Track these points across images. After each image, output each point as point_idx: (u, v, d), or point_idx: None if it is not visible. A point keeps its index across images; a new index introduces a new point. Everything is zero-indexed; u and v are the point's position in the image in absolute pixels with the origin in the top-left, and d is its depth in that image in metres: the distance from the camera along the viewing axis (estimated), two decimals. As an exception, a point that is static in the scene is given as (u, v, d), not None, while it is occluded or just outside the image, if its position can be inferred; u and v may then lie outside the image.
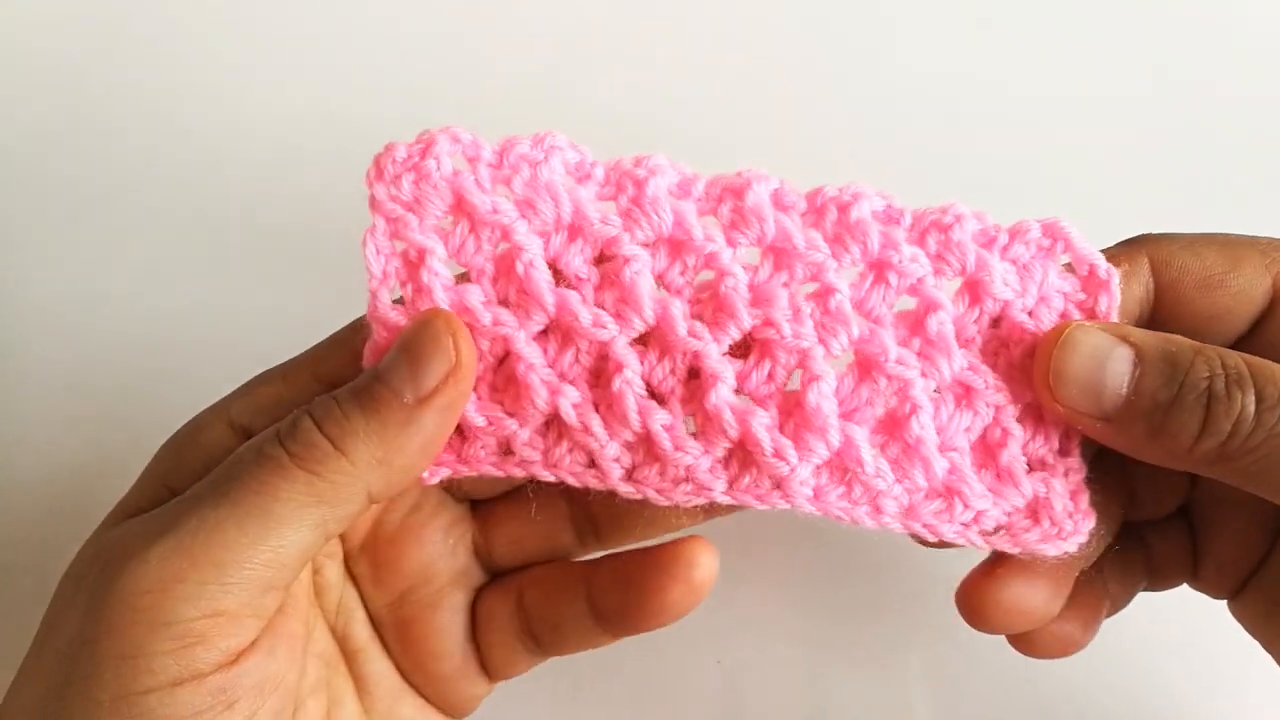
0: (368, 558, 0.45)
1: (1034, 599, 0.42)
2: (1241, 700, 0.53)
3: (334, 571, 0.44)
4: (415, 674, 0.45)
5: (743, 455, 0.40)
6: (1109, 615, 0.47)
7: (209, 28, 0.67)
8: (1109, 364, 0.38)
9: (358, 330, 0.41)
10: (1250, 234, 0.42)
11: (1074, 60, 0.66)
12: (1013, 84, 0.65)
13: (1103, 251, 0.42)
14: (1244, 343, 0.42)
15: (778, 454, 0.39)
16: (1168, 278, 0.41)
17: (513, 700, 0.52)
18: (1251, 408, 0.36)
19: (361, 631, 0.44)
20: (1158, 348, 0.38)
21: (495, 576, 0.47)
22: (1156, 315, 0.41)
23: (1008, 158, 0.64)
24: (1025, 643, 0.45)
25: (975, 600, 0.42)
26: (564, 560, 0.46)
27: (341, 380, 0.39)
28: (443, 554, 0.45)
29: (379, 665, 0.44)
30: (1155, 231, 0.43)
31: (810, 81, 0.66)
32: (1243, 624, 0.47)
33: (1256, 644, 0.46)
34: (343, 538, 0.45)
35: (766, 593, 0.58)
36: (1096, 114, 0.65)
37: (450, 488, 0.45)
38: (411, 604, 0.45)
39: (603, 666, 0.56)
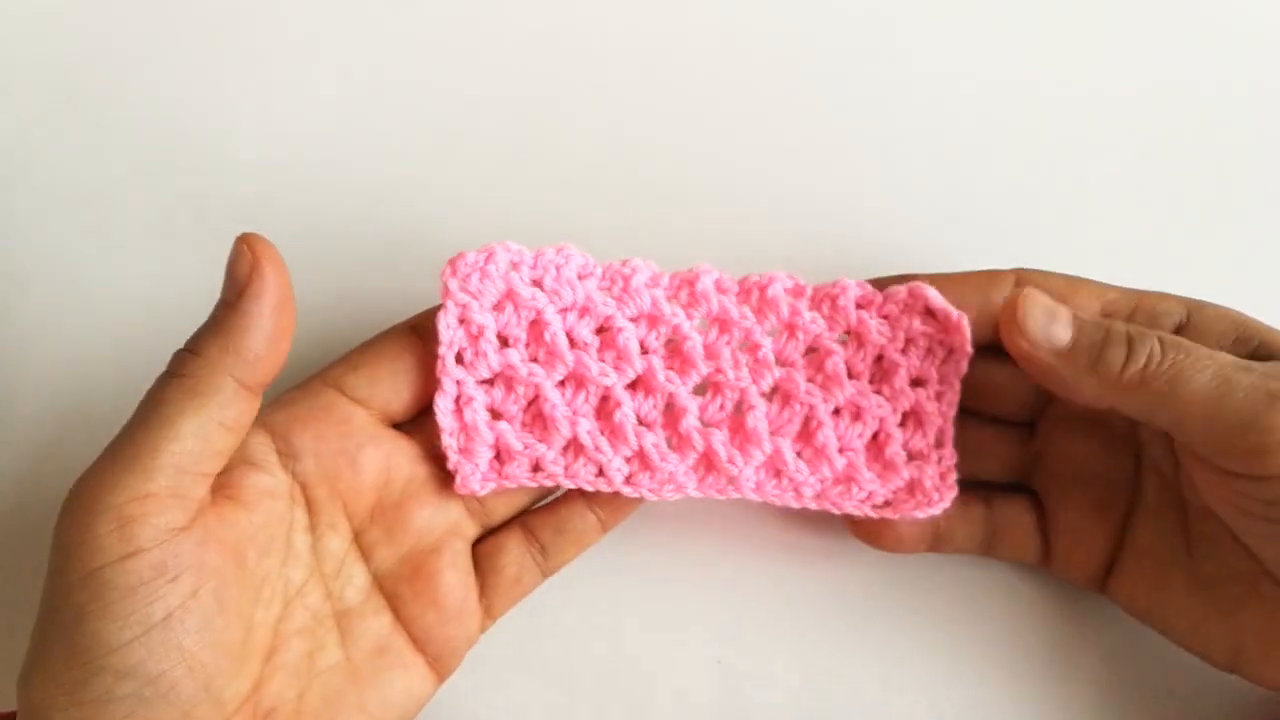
0: (379, 525, 0.54)
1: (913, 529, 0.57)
2: (1244, 692, 0.55)
3: (336, 542, 0.53)
4: (418, 621, 0.53)
5: (707, 462, 0.57)
6: (941, 550, 0.58)
7: (212, 27, 0.68)
8: (1057, 315, 0.51)
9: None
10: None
11: (1073, 60, 0.68)
12: (1012, 83, 0.68)
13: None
14: None
15: (730, 460, 0.56)
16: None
17: (512, 702, 0.58)
18: (1158, 346, 0.49)
19: (354, 595, 0.52)
20: (1080, 311, 0.52)
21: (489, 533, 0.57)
22: None
23: (1006, 158, 0.67)
24: (867, 533, 0.58)
25: (869, 530, 0.58)
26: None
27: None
28: (439, 510, 0.55)
29: (368, 623, 0.52)
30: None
31: (809, 82, 0.69)
32: (1130, 610, 0.55)
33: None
34: (350, 515, 0.53)
35: (766, 592, 0.60)
36: (1096, 114, 0.67)
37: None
38: (420, 551, 0.54)
39: (602, 667, 0.59)
